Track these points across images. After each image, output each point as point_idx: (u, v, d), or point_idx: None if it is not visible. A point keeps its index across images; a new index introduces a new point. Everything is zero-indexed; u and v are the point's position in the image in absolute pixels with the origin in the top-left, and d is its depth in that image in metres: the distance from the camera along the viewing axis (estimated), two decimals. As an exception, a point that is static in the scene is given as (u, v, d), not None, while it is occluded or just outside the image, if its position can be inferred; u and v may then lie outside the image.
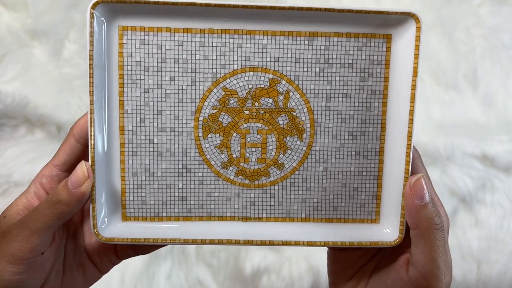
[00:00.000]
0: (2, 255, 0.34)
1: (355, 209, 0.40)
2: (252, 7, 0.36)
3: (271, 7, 0.36)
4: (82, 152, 0.38)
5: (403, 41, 0.37)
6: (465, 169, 0.65)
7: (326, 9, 0.36)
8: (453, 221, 0.65)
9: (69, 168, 0.38)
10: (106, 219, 0.38)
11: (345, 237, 0.39)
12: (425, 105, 0.65)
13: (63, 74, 0.62)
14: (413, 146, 0.38)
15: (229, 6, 0.35)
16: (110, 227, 0.38)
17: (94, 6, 0.35)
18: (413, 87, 0.37)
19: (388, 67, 0.38)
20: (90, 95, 0.36)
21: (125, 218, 0.39)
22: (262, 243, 0.38)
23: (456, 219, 0.65)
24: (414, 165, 0.38)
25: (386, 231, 0.39)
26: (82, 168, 0.35)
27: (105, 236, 0.37)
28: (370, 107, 0.39)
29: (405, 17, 0.36)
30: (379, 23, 0.37)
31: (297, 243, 0.38)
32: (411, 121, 0.37)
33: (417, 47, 0.37)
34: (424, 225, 0.35)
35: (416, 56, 0.37)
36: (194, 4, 0.35)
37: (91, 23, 0.35)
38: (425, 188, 0.36)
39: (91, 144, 0.36)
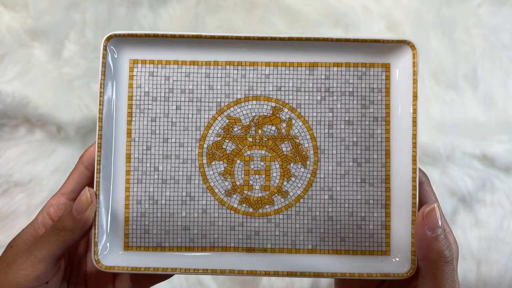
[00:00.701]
0: (8, 284, 0.34)
1: (363, 240, 0.38)
2: (253, 38, 0.38)
3: (272, 38, 0.38)
4: (91, 180, 0.38)
5: (401, 67, 0.38)
6: (465, 169, 0.64)
7: (324, 39, 0.38)
8: (453, 221, 0.64)
9: (77, 196, 0.38)
10: (108, 245, 0.38)
11: (354, 268, 0.37)
12: (425, 105, 0.65)
13: (63, 74, 0.62)
14: (420, 169, 0.37)
15: (232, 38, 0.38)
16: (111, 255, 0.38)
17: (108, 39, 0.37)
18: (414, 111, 0.37)
19: (389, 94, 0.39)
20: (98, 122, 0.37)
21: (127, 247, 0.38)
22: (266, 273, 0.37)
23: (456, 219, 0.64)
24: (423, 190, 0.37)
25: (398, 262, 0.37)
26: (86, 194, 0.36)
27: (106, 265, 0.36)
28: (373, 134, 0.39)
29: (401, 44, 0.38)
30: (376, 51, 0.39)
31: (303, 274, 0.37)
32: (414, 144, 0.37)
33: (415, 73, 0.37)
34: (433, 258, 0.34)
35: (415, 81, 0.37)
36: (200, 37, 0.38)
37: (104, 55, 0.37)
38: (439, 219, 0.34)
39: (97, 169, 0.37)
